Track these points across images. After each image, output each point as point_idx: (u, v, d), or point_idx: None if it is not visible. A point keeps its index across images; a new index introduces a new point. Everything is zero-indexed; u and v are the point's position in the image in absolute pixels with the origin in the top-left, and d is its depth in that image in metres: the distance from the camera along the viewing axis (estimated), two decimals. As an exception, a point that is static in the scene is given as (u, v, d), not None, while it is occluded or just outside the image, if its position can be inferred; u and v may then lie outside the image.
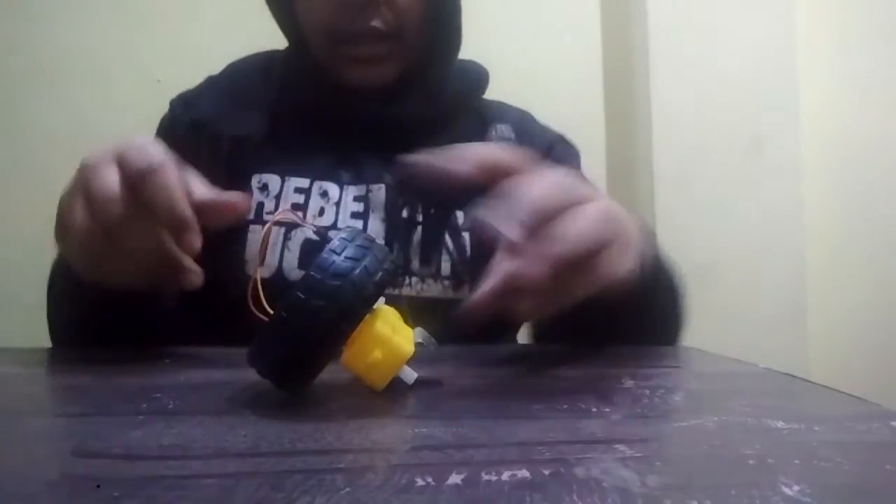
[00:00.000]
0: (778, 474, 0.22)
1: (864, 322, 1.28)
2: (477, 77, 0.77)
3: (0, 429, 0.31)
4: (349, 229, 0.35)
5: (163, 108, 0.80)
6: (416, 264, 0.66)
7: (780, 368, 0.45)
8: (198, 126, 0.70)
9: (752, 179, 1.16)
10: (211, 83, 0.76)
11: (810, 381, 0.41)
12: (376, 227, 0.67)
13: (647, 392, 0.37)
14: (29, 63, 1.25)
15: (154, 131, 0.75)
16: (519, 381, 0.40)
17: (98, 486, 0.21)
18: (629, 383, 0.40)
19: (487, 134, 0.74)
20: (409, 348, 0.36)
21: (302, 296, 0.31)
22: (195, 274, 0.48)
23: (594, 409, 0.33)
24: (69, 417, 0.32)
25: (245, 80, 0.75)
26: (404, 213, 0.67)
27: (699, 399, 0.38)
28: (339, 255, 0.32)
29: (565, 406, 0.34)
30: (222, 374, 0.43)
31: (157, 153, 0.41)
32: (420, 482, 0.21)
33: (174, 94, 0.79)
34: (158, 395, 0.36)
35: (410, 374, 0.36)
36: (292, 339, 0.31)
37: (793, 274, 1.16)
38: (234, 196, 0.44)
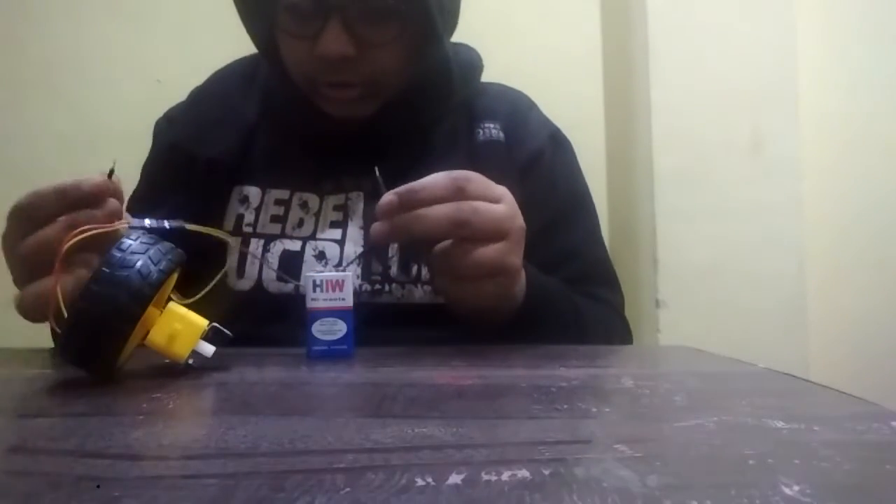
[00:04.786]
0: (778, 474, 0.22)
1: (864, 322, 1.28)
2: (464, 72, 0.75)
3: (0, 429, 0.31)
4: (139, 232, 0.40)
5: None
6: (394, 270, 0.65)
7: (780, 368, 0.45)
8: (175, 149, 0.73)
9: (752, 179, 1.16)
10: (192, 99, 0.77)
11: (810, 381, 0.41)
12: (355, 235, 0.66)
13: (647, 392, 0.37)
14: (29, 63, 1.25)
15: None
16: (519, 381, 0.40)
17: (98, 487, 0.21)
18: (629, 383, 0.40)
19: (474, 135, 0.72)
20: (203, 321, 0.42)
21: (96, 287, 0.36)
22: None
23: (594, 409, 0.33)
24: (69, 417, 0.32)
25: (224, 93, 0.76)
26: None
27: (699, 399, 0.38)
28: (124, 251, 0.38)
29: (565, 406, 0.34)
30: (222, 374, 0.43)
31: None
32: (420, 482, 0.21)
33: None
34: (158, 395, 0.36)
35: (208, 348, 0.43)
36: (93, 323, 0.36)
37: (793, 274, 1.16)
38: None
